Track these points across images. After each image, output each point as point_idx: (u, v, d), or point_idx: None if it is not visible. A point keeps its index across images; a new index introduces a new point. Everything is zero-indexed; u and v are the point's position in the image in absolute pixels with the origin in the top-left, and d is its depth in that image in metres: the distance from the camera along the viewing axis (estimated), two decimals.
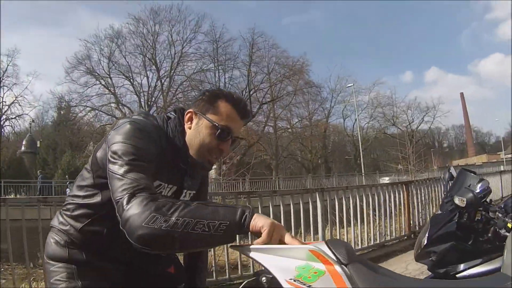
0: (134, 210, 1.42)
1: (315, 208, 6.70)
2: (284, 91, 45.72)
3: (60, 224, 1.87)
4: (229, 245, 1.53)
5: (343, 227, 7.21)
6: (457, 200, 3.05)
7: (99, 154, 1.78)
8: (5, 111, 43.31)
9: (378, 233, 7.56)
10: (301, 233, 6.56)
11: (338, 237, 6.96)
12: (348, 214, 7.13)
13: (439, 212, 3.37)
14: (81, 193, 1.85)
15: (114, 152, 1.62)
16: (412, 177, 16.34)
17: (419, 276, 4.69)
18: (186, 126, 1.89)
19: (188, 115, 1.88)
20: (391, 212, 7.93)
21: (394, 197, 8.04)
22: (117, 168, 1.58)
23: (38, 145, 41.92)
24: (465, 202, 3.00)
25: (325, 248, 1.33)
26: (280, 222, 5.36)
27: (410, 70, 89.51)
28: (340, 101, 50.70)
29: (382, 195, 7.74)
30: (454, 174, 3.43)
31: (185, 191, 1.98)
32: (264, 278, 1.36)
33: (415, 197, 8.51)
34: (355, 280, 1.24)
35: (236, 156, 37.26)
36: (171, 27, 43.40)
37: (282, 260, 1.32)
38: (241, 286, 1.41)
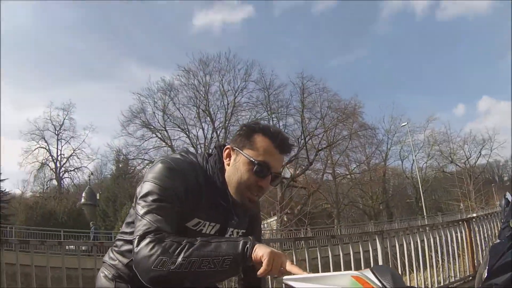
0: (142, 253, 1.51)
1: (376, 255, 6.48)
2: (340, 136, 44.74)
3: (110, 259, 1.94)
4: (273, 277, 1.52)
5: (405, 274, 6.99)
6: None
7: (137, 191, 1.79)
8: (64, 163, 45.29)
9: (442, 275, 7.21)
10: None
11: None
12: (409, 258, 6.91)
13: (498, 241, 3.23)
14: (127, 230, 1.92)
15: (142, 191, 1.69)
16: (473, 214, 15.74)
17: None
18: (225, 162, 1.85)
19: (226, 151, 1.85)
20: (454, 253, 7.55)
21: (456, 236, 7.66)
22: (139, 209, 1.65)
23: (98, 197, 42.35)
24: None
25: (370, 274, 1.27)
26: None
27: (462, 103, 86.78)
28: (396, 142, 49.42)
29: (444, 235, 7.40)
30: (510, 199, 3.30)
31: (230, 229, 1.92)
32: None
33: (477, 234, 8.04)
34: None
35: (296, 206, 36.95)
36: (222, 77, 43.31)
37: None
38: None
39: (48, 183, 45.06)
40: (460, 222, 8.14)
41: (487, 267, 3.08)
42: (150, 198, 1.65)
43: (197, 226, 1.79)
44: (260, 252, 1.45)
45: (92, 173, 46.99)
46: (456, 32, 67.25)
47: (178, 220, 1.69)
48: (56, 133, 44.57)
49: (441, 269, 7.25)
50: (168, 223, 1.61)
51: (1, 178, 41.77)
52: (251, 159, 1.76)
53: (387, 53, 68.35)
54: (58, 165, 44.80)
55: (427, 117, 51.43)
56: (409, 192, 53.22)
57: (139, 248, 1.53)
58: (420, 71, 70.47)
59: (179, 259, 1.46)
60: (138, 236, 1.56)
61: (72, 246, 6.75)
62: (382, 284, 1.23)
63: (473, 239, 7.90)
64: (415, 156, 47.43)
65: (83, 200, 42.27)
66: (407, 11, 57.10)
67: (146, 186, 1.69)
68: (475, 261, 7.72)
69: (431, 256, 7.11)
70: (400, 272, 6.72)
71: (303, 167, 42.25)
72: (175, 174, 1.71)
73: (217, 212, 1.84)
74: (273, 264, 1.44)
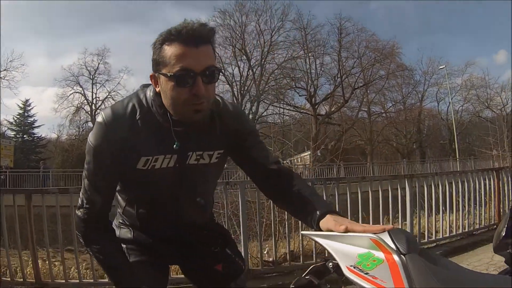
0: (76, 222, 1.76)
1: (404, 195, 6.53)
2: (376, 75, 43.76)
3: (118, 208, 1.98)
4: (301, 232, 1.52)
5: (431, 215, 7.07)
6: None
7: None
8: (99, 106, 44.58)
9: (466, 221, 7.23)
10: (388, 220, 6.40)
11: (425, 225, 6.90)
12: (437, 201, 6.96)
13: None
14: None
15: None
16: (504, 163, 15.40)
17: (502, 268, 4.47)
18: (157, 90, 1.62)
19: (152, 80, 1.64)
20: (481, 200, 7.53)
21: (484, 184, 7.61)
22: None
23: None
24: None
25: (386, 237, 1.28)
26: (369, 208, 5.32)
27: (504, 49, 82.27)
28: (433, 83, 47.24)
29: (472, 181, 7.35)
30: None
31: (193, 153, 1.73)
32: (330, 264, 1.34)
33: (506, 184, 7.91)
34: (410, 271, 1.16)
35: (330, 142, 36.98)
36: (258, 17, 42.59)
37: (346, 247, 1.33)
38: (309, 269, 1.36)
39: (84, 125, 44.45)
40: (490, 171, 8.07)
41: (505, 226, 3.10)
42: (86, 159, 1.68)
43: (147, 164, 1.67)
44: None
45: None
46: None
47: (126, 168, 1.68)
48: (91, 77, 43.84)
49: (466, 215, 7.25)
50: (98, 190, 1.70)
51: (37, 125, 43.53)
52: (168, 74, 1.51)
53: None
54: (93, 107, 44.45)
55: (466, 61, 49.46)
56: (443, 134, 51.90)
57: (76, 215, 1.75)
58: (462, 14, 66.74)
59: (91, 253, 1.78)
60: (76, 205, 1.77)
61: None
62: (396, 246, 1.25)
63: (501, 188, 7.83)
64: (452, 99, 46.07)
65: None
66: None
67: (86, 145, 1.69)
68: (501, 210, 7.67)
69: (458, 201, 7.11)
70: (426, 213, 6.81)
71: (339, 105, 41.94)
72: (106, 128, 1.61)
73: (168, 142, 1.66)
74: None
